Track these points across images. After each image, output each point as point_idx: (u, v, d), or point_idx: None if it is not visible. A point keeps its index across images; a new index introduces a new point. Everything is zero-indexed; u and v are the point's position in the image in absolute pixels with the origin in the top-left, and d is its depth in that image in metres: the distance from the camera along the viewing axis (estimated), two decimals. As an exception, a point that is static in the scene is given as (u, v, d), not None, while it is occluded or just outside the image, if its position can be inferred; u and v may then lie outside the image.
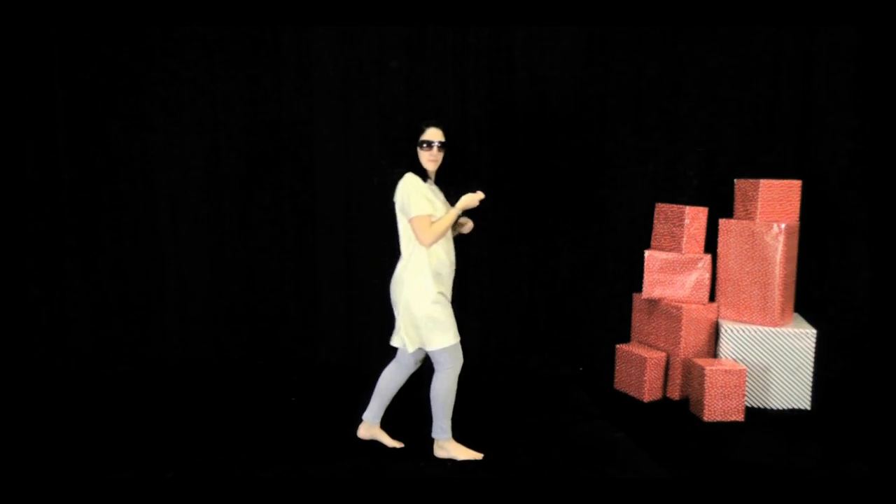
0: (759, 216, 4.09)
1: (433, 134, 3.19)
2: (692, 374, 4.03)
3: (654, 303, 4.33)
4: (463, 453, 3.31)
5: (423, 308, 3.14)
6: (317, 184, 4.69)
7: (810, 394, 4.03)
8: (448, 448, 3.32)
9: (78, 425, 3.76)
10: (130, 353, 4.76)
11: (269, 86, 4.62)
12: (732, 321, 4.17)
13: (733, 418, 3.86)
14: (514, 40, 4.59)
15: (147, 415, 3.91)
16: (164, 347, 4.78)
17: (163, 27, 4.50)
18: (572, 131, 4.66)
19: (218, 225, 4.72)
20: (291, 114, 4.65)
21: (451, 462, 3.29)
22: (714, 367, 3.88)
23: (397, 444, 3.45)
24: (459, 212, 3.21)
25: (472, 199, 3.22)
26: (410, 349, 3.19)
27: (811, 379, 4.02)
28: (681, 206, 4.21)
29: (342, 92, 4.62)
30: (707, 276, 4.19)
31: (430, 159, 3.20)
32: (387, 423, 3.52)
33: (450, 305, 3.23)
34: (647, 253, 4.26)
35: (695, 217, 4.19)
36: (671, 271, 4.22)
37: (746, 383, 3.96)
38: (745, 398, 3.95)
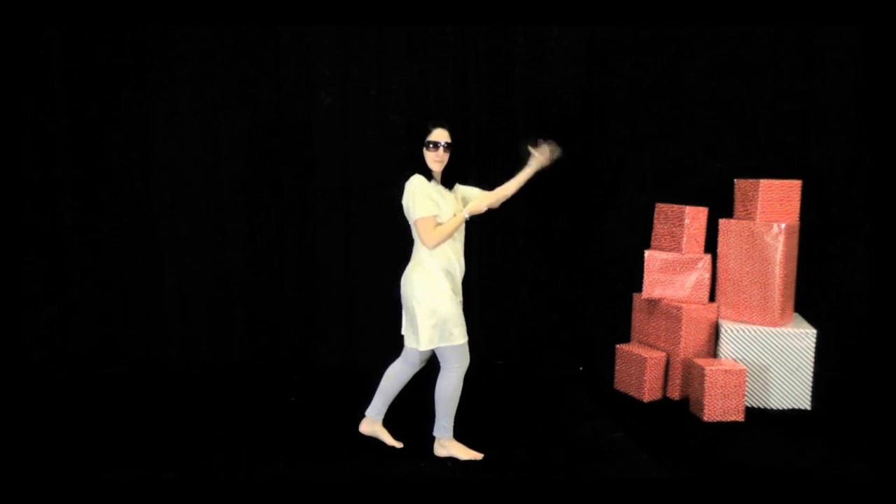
0: (759, 216, 4.09)
1: (439, 135, 3.18)
2: (692, 374, 4.03)
3: (654, 303, 4.33)
4: (463, 453, 3.31)
5: (431, 306, 3.13)
6: (316, 184, 4.69)
7: (810, 394, 4.03)
8: (449, 447, 3.32)
9: (78, 425, 3.76)
10: (130, 353, 4.76)
11: (270, 87, 4.62)
12: (732, 321, 4.17)
13: (733, 418, 3.86)
14: (514, 40, 4.59)
15: (147, 415, 3.91)
16: (164, 348, 4.79)
17: (162, 27, 4.51)
18: (572, 131, 4.65)
19: (218, 225, 4.72)
20: (291, 114, 4.65)
21: (452, 462, 3.29)
22: (714, 367, 3.88)
23: (397, 444, 3.45)
24: (467, 216, 3.20)
25: (483, 203, 3.23)
26: (421, 348, 3.17)
27: (811, 379, 4.02)
28: (681, 206, 4.21)
29: (342, 92, 4.62)
30: (707, 276, 4.19)
31: (436, 160, 3.19)
32: (388, 422, 3.52)
33: (459, 305, 3.22)
34: (647, 253, 4.26)
35: (695, 217, 4.19)
36: (671, 271, 4.22)
37: (746, 383, 3.96)
38: (745, 398, 3.94)
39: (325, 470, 3.22)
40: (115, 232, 4.69)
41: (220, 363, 4.76)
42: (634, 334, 4.53)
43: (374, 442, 3.49)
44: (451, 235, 3.17)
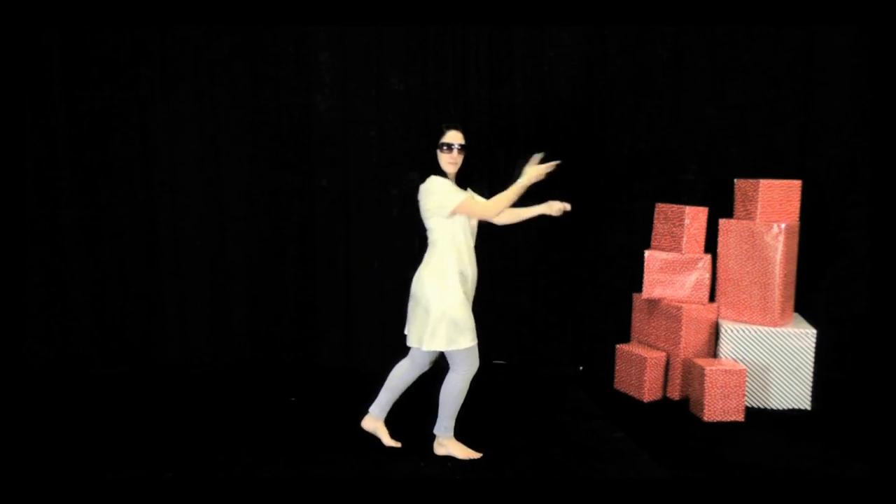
0: (759, 216, 4.09)
1: (453, 136, 3.18)
2: (692, 374, 4.03)
3: (654, 303, 4.33)
4: (462, 452, 3.31)
5: (442, 308, 3.12)
6: (316, 185, 4.69)
7: (810, 394, 4.03)
8: (448, 446, 3.33)
9: (78, 425, 3.76)
10: (130, 354, 4.76)
11: (269, 87, 4.62)
12: (732, 321, 4.17)
13: (733, 418, 3.86)
14: (514, 40, 4.59)
15: (147, 415, 3.91)
16: (163, 348, 4.78)
17: (163, 27, 4.50)
18: (572, 131, 4.66)
19: (218, 225, 4.72)
20: (291, 115, 4.65)
21: (451, 461, 3.29)
22: (714, 367, 3.88)
23: (395, 444, 3.45)
24: (526, 185, 3.21)
25: (539, 171, 3.22)
26: (428, 348, 3.16)
27: (811, 379, 4.02)
28: (681, 206, 4.21)
29: (342, 93, 4.62)
30: (707, 276, 4.19)
31: (451, 162, 3.19)
32: (389, 420, 3.51)
33: (470, 307, 3.22)
34: (647, 253, 4.26)
35: (695, 217, 4.19)
36: (671, 271, 4.22)
37: (746, 383, 3.96)
38: (745, 398, 3.94)
39: (325, 470, 3.22)
40: (115, 232, 4.68)
41: (219, 363, 4.76)
42: (634, 334, 4.53)
43: (374, 441, 3.49)
44: (511, 202, 3.20)
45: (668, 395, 4.25)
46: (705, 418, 3.85)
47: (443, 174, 3.21)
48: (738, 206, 4.25)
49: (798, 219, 4.17)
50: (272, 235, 4.75)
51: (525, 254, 4.78)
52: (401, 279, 4.72)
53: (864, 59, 4.43)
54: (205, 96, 4.61)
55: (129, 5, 4.33)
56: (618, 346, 4.41)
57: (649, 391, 4.19)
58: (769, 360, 4.04)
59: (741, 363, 4.02)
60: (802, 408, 4.04)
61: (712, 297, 4.29)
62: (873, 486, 3.05)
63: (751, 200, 4.14)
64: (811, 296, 4.53)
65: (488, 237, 4.72)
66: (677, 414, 4.00)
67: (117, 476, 3.15)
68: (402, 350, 3.83)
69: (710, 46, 4.53)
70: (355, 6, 4.34)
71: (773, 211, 4.09)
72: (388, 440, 3.46)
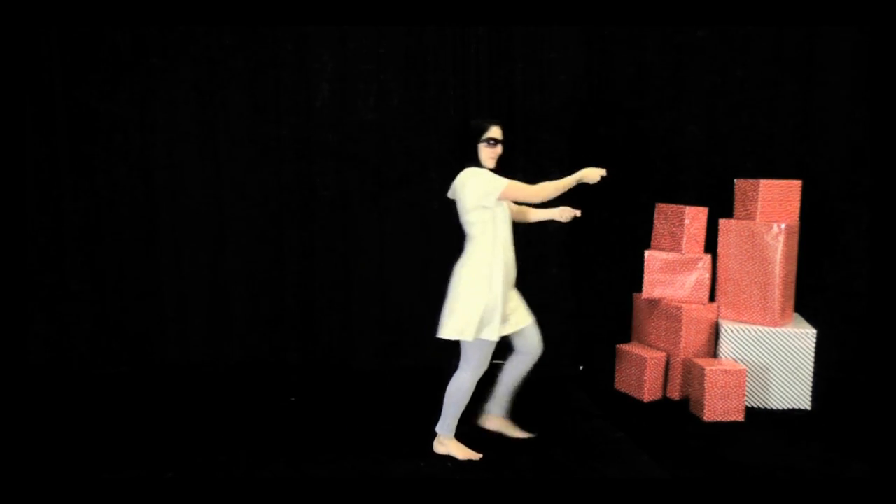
0: (759, 216, 4.09)
1: (496, 132, 3.22)
2: (692, 374, 4.03)
3: (654, 303, 4.33)
4: (462, 452, 3.31)
5: (475, 296, 3.15)
6: (315, 185, 4.68)
7: (810, 394, 4.03)
8: (448, 445, 3.33)
9: (78, 425, 3.76)
10: (130, 354, 4.76)
11: (269, 86, 4.61)
12: (732, 321, 4.17)
13: (733, 418, 3.86)
14: (513, 40, 4.59)
15: (147, 415, 3.91)
16: (163, 348, 4.78)
17: (163, 27, 4.50)
18: (572, 131, 4.65)
19: (217, 225, 4.72)
20: (291, 115, 4.64)
21: (451, 462, 3.29)
22: (714, 367, 3.87)
23: (524, 434, 3.51)
24: (578, 181, 3.25)
25: (593, 173, 3.27)
26: (447, 336, 3.18)
27: (811, 379, 4.02)
28: (681, 206, 4.21)
29: (341, 95, 4.62)
30: (707, 276, 4.19)
31: (492, 156, 3.23)
32: (391, 419, 3.49)
33: (500, 301, 3.17)
34: (647, 253, 4.26)
35: (695, 217, 4.19)
36: (671, 271, 4.22)
37: (746, 383, 3.96)
38: (745, 398, 3.94)
39: (325, 470, 3.22)
40: (115, 232, 4.68)
41: (219, 363, 4.76)
42: (634, 334, 4.52)
43: (374, 441, 3.49)
44: (560, 192, 3.24)
45: (668, 395, 4.25)
46: (705, 418, 3.85)
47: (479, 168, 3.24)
48: (738, 206, 4.25)
49: (798, 219, 4.17)
50: (272, 234, 4.74)
51: (524, 253, 4.76)
52: (403, 278, 4.75)
53: (864, 59, 4.43)
54: (205, 95, 4.60)
55: (128, 5, 4.33)
56: (618, 346, 4.41)
57: (649, 391, 4.19)
58: (769, 360, 4.04)
59: (741, 363, 4.02)
60: (802, 408, 4.04)
61: (712, 297, 4.29)
62: (873, 486, 3.06)
63: (751, 200, 4.13)
64: (811, 296, 4.53)
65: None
66: (677, 414, 4.00)
67: (117, 476, 3.15)
68: (401, 349, 3.88)
69: (711, 45, 4.53)
70: (354, 6, 4.34)
71: (773, 211, 4.09)
72: (517, 433, 3.53)
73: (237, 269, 4.75)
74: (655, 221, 4.36)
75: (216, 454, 3.38)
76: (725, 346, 4.10)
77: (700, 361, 3.98)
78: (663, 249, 4.28)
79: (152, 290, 4.74)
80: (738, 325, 4.09)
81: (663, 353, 4.24)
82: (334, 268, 4.76)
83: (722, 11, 4.31)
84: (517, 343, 3.42)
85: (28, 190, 4.57)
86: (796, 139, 4.57)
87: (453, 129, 4.50)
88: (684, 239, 4.18)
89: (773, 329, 4.04)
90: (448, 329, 3.17)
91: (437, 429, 3.36)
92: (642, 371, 4.18)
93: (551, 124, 4.65)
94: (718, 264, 4.24)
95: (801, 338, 4.02)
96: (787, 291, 4.14)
